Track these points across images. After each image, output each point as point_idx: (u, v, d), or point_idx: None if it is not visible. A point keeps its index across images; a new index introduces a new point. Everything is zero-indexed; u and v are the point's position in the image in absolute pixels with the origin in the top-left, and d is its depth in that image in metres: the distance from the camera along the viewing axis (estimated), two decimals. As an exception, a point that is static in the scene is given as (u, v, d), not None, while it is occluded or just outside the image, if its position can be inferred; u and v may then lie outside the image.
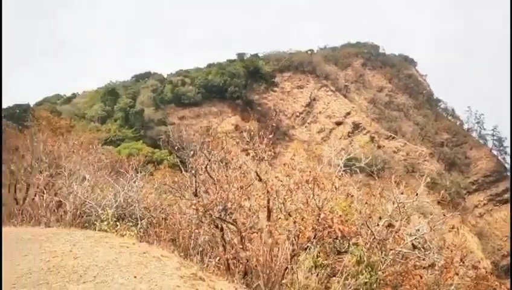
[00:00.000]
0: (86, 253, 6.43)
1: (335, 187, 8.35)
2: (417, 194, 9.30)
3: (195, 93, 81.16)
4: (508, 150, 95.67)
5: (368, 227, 8.73)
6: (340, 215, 8.15)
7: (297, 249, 7.72)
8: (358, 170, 11.65)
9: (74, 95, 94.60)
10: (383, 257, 8.24)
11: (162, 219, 11.52)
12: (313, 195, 8.10)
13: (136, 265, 6.04)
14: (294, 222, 8.13)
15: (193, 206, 8.30)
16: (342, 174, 9.92)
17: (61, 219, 9.69)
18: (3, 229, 8.11)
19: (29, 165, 13.82)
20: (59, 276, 5.46)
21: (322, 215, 7.75)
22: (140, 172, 13.53)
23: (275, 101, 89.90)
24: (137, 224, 10.48)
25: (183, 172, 11.23)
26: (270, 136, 9.53)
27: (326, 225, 7.84)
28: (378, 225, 8.93)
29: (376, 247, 8.56)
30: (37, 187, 12.84)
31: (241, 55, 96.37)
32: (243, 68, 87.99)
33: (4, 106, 56.44)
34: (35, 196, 13.07)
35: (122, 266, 5.93)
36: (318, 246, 7.90)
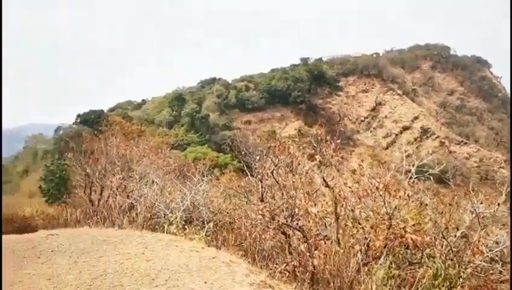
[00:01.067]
0: (158, 256, 6.56)
1: (408, 195, 7.94)
2: (499, 204, 8.65)
3: (259, 98, 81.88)
4: None
5: (444, 238, 8.23)
6: (413, 225, 7.76)
7: (367, 259, 7.43)
8: (431, 177, 11.07)
9: (144, 101, 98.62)
10: (460, 271, 7.72)
11: (228, 223, 11.60)
12: (384, 203, 7.76)
13: (206, 270, 6.06)
14: (364, 230, 7.85)
15: (260, 211, 8.24)
16: (413, 181, 9.43)
17: (133, 221, 10.01)
18: (80, 229, 8.54)
19: (103, 168, 14.46)
20: (132, 279, 5.59)
21: (393, 224, 7.41)
22: (207, 176, 13.72)
23: (339, 106, 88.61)
24: (204, 227, 10.62)
25: (249, 177, 11.23)
26: (338, 141, 9.28)
27: (399, 234, 7.49)
28: (455, 235, 8.39)
29: (452, 259, 8.05)
30: (111, 189, 13.42)
31: (304, 60, 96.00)
32: (307, 72, 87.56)
33: (80, 111, 59.98)
34: (108, 197, 13.67)
35: (192, 270, 5.97)
36: (390, 256, 7.55)
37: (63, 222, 11.86)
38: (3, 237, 9.07)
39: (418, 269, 8.00)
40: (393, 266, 7.40)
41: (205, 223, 10.95)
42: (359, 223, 8.07)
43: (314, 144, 9.58)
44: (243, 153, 11.78)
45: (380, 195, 7.89)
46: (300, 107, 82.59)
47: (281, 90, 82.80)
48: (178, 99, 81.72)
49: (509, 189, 9.52)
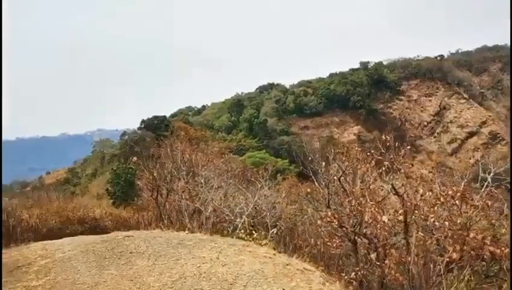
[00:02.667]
0: (232, 261, 6.64)
1: (487, 204, 7.51)
2: None
3: (317, 103, 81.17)
4: None
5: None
6: (493, 236, 7.32)
7: (440, 270, 7.10)
8: (504, 186, 10.42)
9: (204, 107, 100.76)
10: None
11: (290, 229, 11.55)
12: (461, 212, 7.39)
13: (282, 277, 6.06)
14: (438, 240, 7.52)
15: (327, 218, 8.11)
16: (490, 189, 8.92)
17: (202, 225, 10.20)
18: (154, 232, 8.83)
19: (169, 172, 14.91)
20: (211, 283, 5.70)
21: (471, 235, 7.03)
22: (270, 181, 13.76)
23: (401, 110, 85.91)
24: (268, 233, 10.63)
25: (315, 183, 11.09)
26: (408, 147, 8.98)
27: (476, 246, 7.10)
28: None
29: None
30: (177, 193, 13.80)
31: (364, 64, 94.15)
32: (367, 77, 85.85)
33: (144, 117, 62.23)
34: (173, 201, 14.07)
35: (268, 277, 5.99)
36: (468, 268, 7.17)
37: (134, 224, 12.31)
38: (81, 237, 9.58)
39: (494, 283, 7.57)
40: (473, 279, 7.02)
41: (269, 228, 10.97)
42: (433, 233, 7.74)
43: (382, 150, 9.34)
44: (304, 158, 11.68)
45: (456, 204, 7.53)
46: (360, 112, 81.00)
47: (339, 95, 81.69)
48: (237, 104, 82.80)
49: None
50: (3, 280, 6.09)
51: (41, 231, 11.54)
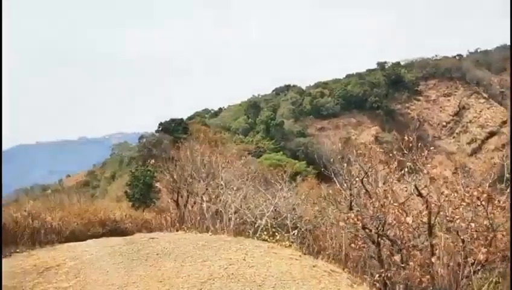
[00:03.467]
0: (259, 262, 6.66)
1: (514, 206, 7.38)
2: None
3: (334, 105, 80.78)
4: None
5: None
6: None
7: (468, 272, 7.02)
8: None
9: (220, 110, 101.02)
10: None
11: (310, 230, 11.52)
12: (487, 213, 7.28)
13: (310, 279, 6.06)
14: (463, 242, 7.42)
15: (351, 220, 8.07)
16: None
17: (225, 227, 10.24)
18: (178, 233, 8.91)
19: (189, 174, 15.01)
20: (239, 284, 5.72)
21: (498, 236, 6.94)
22: (290, 183, 13.76)
23: (419, 111, 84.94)
24: (289, 234, 10.61)
25: (337, 184, 11.03)
26: (432, 148, 8.89)
27: (503, 247, 7.01)
28: None
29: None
30: (198, 195, 13.89)
31: (381, 64, 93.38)
32: (384, 77, 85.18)
33: (162, 120, 62.62)
34: (194, 203, 14.16)
35: (296, 278, 6.00)
36: (495, 270, 7.08)
37: (155, 226, 12.42)
38: (104, 239, 9.71)
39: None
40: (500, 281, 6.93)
41: (290, 230, 10.96)
42: (458, 235, 7.64)
43: (405, 151, 9.26)
44: (330, 160, 11.62)
45: (481, 205, 7.42)
46: (377, 112, 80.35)
47: (356, 95, 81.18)
48: (253, 106, 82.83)
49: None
50: (33, 281, 6.24)
51: (64, 233, 11.72)
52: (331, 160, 11.25)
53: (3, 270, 7.11)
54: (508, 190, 8.63)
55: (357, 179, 9.67)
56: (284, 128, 73.28)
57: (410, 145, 8.99)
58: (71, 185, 69.31)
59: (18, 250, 8.98)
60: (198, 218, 11.29)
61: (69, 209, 13.84)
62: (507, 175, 9.57)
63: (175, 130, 58.89)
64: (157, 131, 64.04)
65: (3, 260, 8.02)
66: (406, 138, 9.04)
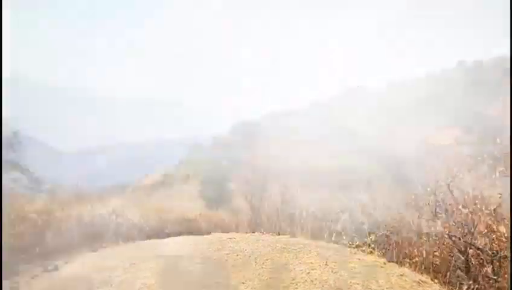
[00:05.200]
0: (342, 268, 6.44)
1: None
2: None
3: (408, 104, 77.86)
4: None
5: None
6: None
7: None
8: None
9: (291, 111, 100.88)
10: None
11: (388, 236, 11.04)
12: None
13: (398, 288, 5.76)
14: None
15: (437, 227, 7.59)
16: None
17: (302, 230, 10.11)
18: (255, 235, 8.89)
19: (263, 175, 15.07)
20: (323, 290, 5.56)
21: None
22: (364, 186, 13.34)
23: (502, 111, 79.35)
24: (367, 240, 10.24)
25: (420, 188, 10.48)
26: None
27: None
28: None
29: None
30: (271, 197, 13.88)
31: (462, 63, 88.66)
32: (464, 76, 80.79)
33: (235, 122, 63.84)
34: (269, 204, 14.16)
35: (384, 287, 5.72)
36: None
37: (230, 226, 12.54)
38: (183, 237, 9.93)
39: None
40: None
41: (368, 235, 10.57)
42: None
43: (497, 154, 8.60)
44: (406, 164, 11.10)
45: None
46: (457, 113, 76.16)
47: (435, 95, 77.63)
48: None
49: None
50: (121, 276, 6.48)
51: (145, 229, 12.20)
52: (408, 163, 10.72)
53: (91, 263, 7.49)
54: None
55: (442, 183, 9.10)
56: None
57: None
58: (148, 185, 72.37)
59: (104, 245, 9.44)
60: (274, 219, 11.24)
61: (148, 207, 14.41)
62: None
63: (248, 132, 59.77)
64: (230, 133, 65.37)
65: (92, 254, 8.47)
66: (498, 140, 8.38)
